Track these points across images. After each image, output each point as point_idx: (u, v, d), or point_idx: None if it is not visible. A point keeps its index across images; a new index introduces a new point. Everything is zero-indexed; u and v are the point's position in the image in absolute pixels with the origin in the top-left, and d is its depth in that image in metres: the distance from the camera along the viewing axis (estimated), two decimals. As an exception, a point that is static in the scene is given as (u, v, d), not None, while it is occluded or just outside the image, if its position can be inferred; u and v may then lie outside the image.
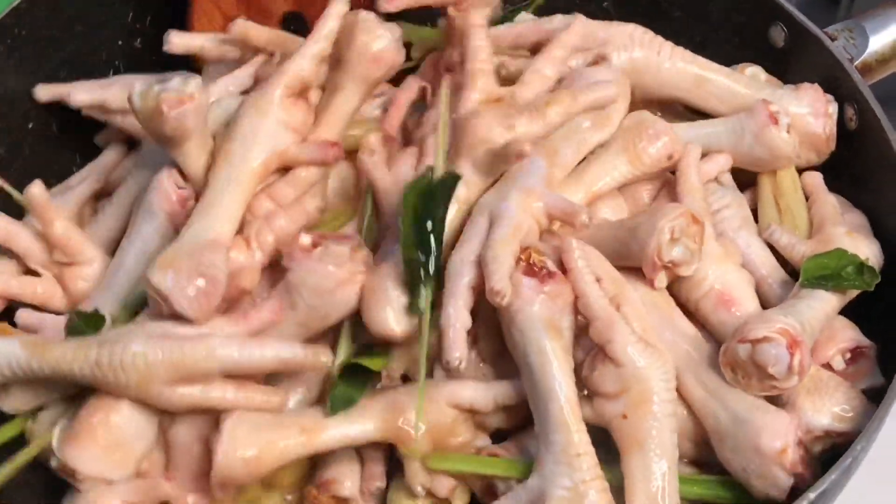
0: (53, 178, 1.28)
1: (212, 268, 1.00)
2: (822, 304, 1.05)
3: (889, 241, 1.13)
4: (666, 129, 1.14)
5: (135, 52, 1.37)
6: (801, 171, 1.19)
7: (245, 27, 1.22)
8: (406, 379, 1.05)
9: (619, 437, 0.98)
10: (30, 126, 1.31)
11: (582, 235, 1.04)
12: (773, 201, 1.18)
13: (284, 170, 1.10)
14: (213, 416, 1.00)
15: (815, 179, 1.19)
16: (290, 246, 1.01)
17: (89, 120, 1.30)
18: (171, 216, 1.10)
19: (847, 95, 1.19)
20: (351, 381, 1.02)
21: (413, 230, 1.00)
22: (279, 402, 1.02)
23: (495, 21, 1.24)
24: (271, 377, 1.05)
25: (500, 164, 1.04)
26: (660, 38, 1.20)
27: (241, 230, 1.06)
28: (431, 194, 1.01)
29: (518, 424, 1.04)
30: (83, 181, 1.25)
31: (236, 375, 1.01)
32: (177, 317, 1.00)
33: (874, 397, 1.03)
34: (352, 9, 1.13)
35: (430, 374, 1.03)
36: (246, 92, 1.21)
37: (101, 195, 1.25)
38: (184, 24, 1.33)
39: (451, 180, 1.02)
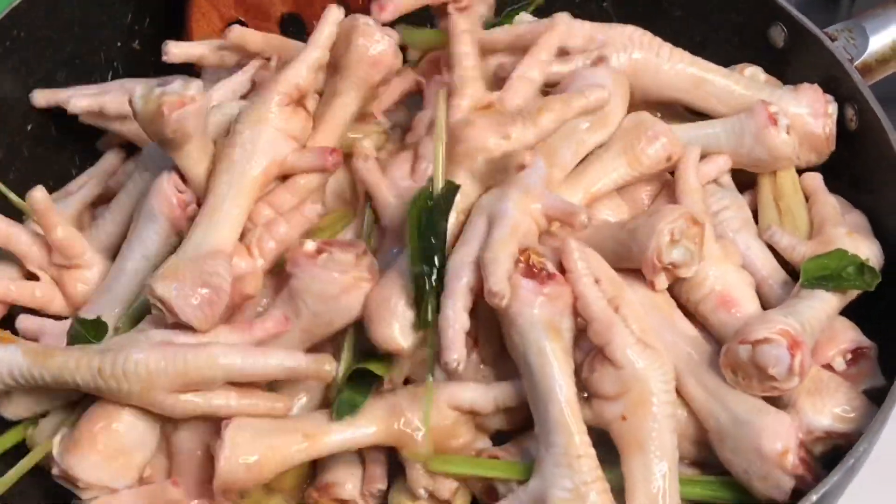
0: (52, 181, 1.28)
1: (215, 276, 1.00)
2: (822, 305, 1.05)
3: (889, 241, 1.13)
4: (665, 130, 1.13)
5: (133, 54, 1.37)
6: (801, 171, 1.19)
7: (242, 33, 1.22)
8: (407, 382, 1.05)
9: (619, 438, 0.98)
10: (28, 129, 1.31)
11: (581, 237, 1.04)
12: (772, 202, 1.17)
13: (284, 176, 1.10)
14: (216, 422, 1.00)
15: (815, 180, 1.19)
16: (294, 252, 1.01)
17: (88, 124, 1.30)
18: (171, 220, 1.10)
19: (847, 96, 1.19)
20: (356, 387, 1.02)
21: (419, 245, 1.00)
22: (283, 409, 1.02)
23: (492, 23, 1.24)
24: (275, 383, 1.05)
25: (500, 174, 1.04)
26: (658, 40, 1.20)
27: (241, 237, 1.06)
28: (433, 209, 1.01)
29: (518, 426, 1.04)
30: (83, 186, 1.25)
31: (240, 383, 1.01)
32: (180, 325, 1.00)
33: (875, 398, 1.03)
34: (348, 14, 1.14)
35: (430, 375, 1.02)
36: (244, 96, 1.21)
37: (99, 202, 1.25)
38: (182, 26, 1.33)
39: (451, 191, 1.02)
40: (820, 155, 1.19)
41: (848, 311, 1.08)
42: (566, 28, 1.16)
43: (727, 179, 1.19)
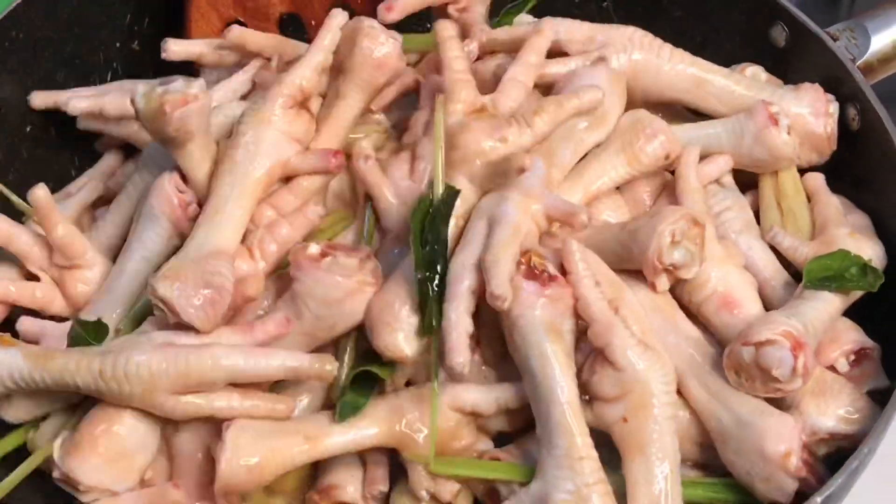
0: (51, 182, 1.26)
1: (217, 277, 1.00)
2: (825, 306, 1.04)
3: (892, 241, 1.13)
4: (663, 128, 1.13)
5: (133, 54, 1.37)
6: (803, 171, 1.19)
7: (242, 33, 1.23)
8: (409, 383, 1.05)
9: (621, 440, 0.98)
10: (27, 130, 1.31)
11: (581, 237, 1.04)
12: (774, 203, 1.17)
13: (287, 178, 1.10)
14: (217, 425, 1.00)
15: (818, 181, 1.18)
16: (298, 255, 1.01)
17: (87, 125, 1.30)
18: (172, 220, 1.09)
19: (849, 95, 1.19)
20: (358, 389, 1.02)
21: (421, 252, 1.00)
22: (285, 411, 1.02)
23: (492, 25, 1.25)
24: (276, 384, 1.05)
25: (499, 177, 1.04)
26: (659, 41, 1.20)
27: (243, 239, 1.06)
28: (434, 215, 1.01)
29: (520, 428, 1.04)
30: (82, 188, 1.25)
31: (242, 384, 1.01)
32: (181, 326, 1.00)
33: (879, 399, 1.03)
34: (352, 16, 1.14)
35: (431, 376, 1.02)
36: (244, 96, 1.21)
37: (99, 203, 1.25)
38: (181, 26, 1.33)
39: (451, 196, 1.03)
40: (821, 155, 1.19)
41: (851, 312, 1.08)
42: (552, 32, 1.17)
43: (729, 180, 1.19)
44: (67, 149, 1.34)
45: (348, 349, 1.05)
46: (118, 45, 1.36)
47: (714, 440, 1.01)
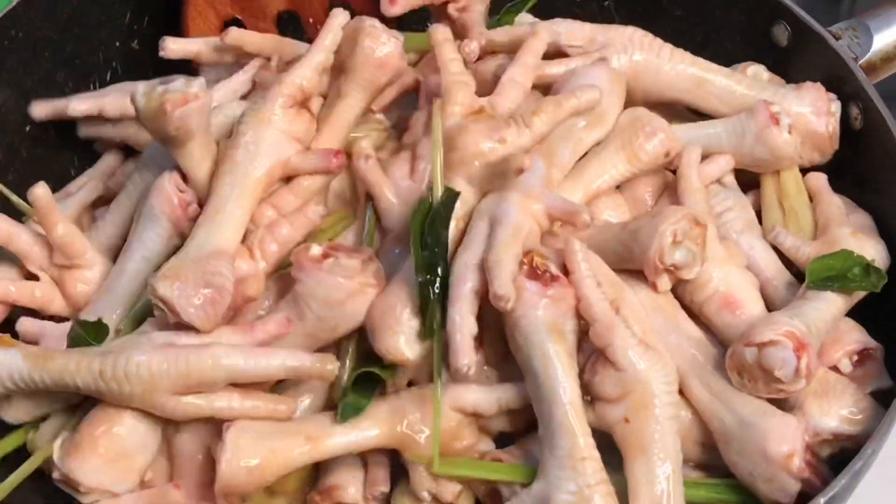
0: (51, 182, 1.24)
1: (218, 276, 1.00)
2: (828, 306, 1.04)
3: (895, 241, 1.13)
4: (662, 126, 1.13)
5: (132, 54, 1.37)
6: (805, 171, 1.19)
7: (239, 34, 1.23)
8: (410, 383, 1.05)
9: (622, 441, 0.97)
10: (27, 129, 1.31)
11: (583, 237, 1.04)
12: (776, 203, 1.17)
13: (287, 178, 1.10)
14: (217, 425, 1.00)
15: (820, 180, 1.18)
16: (300, 256, 1.01)
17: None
18: (172, 220, 1.09)
19: (852, 94, 1.19)
20: (360, 390, 1.02)
21: (421, 255, 1.00)
22: (286, 411, 1.02)
23: (490, 23, 1.24)
24: (277, 385, 1.05)
25: (499, 179, 1.04)
26: (659, 41, 1.20)
27: (244, 239, 1.06)
28: (434, 218, 1.01)
29: (522, 428, 1.04)
30: (82, 187, 1.25)
31: (243, 384, 1.01)
32: (182, 326, 1.00)
33: (882, 399, 1.03)
34: (353, 16, 1.14)
35: (433, 377, 1.02)
36: (245, 96, 1.21)
37: (99, 203, 1.25)
38: (179, 24, 1.33)
39: (451, 199, 1.02)
40: (823, 154, 1.19)
41: (853, 313, 1.08)
42: (550, 33, 1.17)
43: (730, 180, 1.19)
44: (67, 148, 1.33)
45: (350, 350, 1.04)
46: (118, 44, 1.36)
47: (716, 441, 1.01)
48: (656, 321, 1.03)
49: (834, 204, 1.16)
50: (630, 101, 1.16)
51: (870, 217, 1.16)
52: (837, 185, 1.18)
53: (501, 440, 1.05)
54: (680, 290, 1.07)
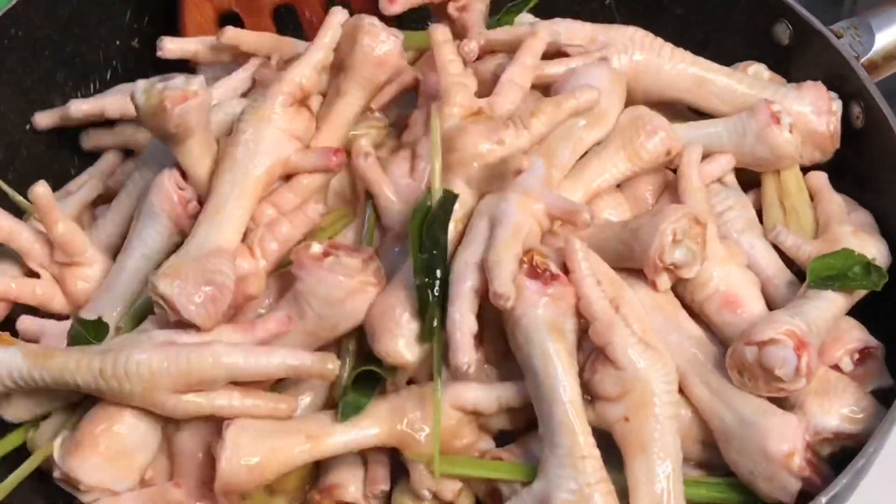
0: (51, 181, 1.24)
1: (218, 274, 1.00)
2: (829, 305, 1.04)
3: (896, 240, 1.13)
4: (663, 125, 1.13)
5: (133, 52, 1.37)
6: (807, 169, 1.19)
7: (235, 34, 1.23)
8: (410, 381, 1.05)
9: (622, 440, 0.97)
10: (27, 128, 1.30)
11: (583, 236, 1.04)
12: (777, 202, 1.17)
13: (287, 176, 1.10)
14: (218, 423, 1.00)
15: (821, 179, 1.18)
16: (300, 255, 1.01)
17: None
18: (172, 217, 1.09)
19: (853, 93, 1.18)
20: (360, 388, 1.02)
21: (420, 257, 1.00)
22: (287, 410, 1.02)
23: (491, 22, 1.24)
24: (278, 383, 1.05)
25: (497, 180, 1.04)
26: (660, 41, 1.20)
27: (244, 238, 1.06)
28: (433, 221, 1.01)
29: (522, 426, 1.04)
30: (82, 186, 1.25)
31: (243, 382, 1.01)
32: (182, 324, 1.00)
33: (883, 398, 1.03)
34: (351, 14, 1.14)
35: (433, 376, 1.02)
36: (245, 94, 1.22)
37: (98, 202, 1.25)
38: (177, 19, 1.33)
39: (449, 201, 1.02)
40: (824, 153, 1.19)
41: (854, 311, 1.08)
42: (549, 34, 1.16)
43: (731, 179, 1.19)
44: (67, 148, 1.33)
45: (350, 349, 1.04)
46: (118, 43, 1.36)
47: (717, 439, 1.01)
48: (656, 320, 1.03)
49: (835, 203, 1.15)
50: (631, 101, 1.16)
51: (871, 216, 1.16)
52: (839, 184, 1.18)
53: (501, 439, 1.05)
54: (680, 289, 1.07)
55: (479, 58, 1.19)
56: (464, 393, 1.01)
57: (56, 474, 1.02)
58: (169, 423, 1.03)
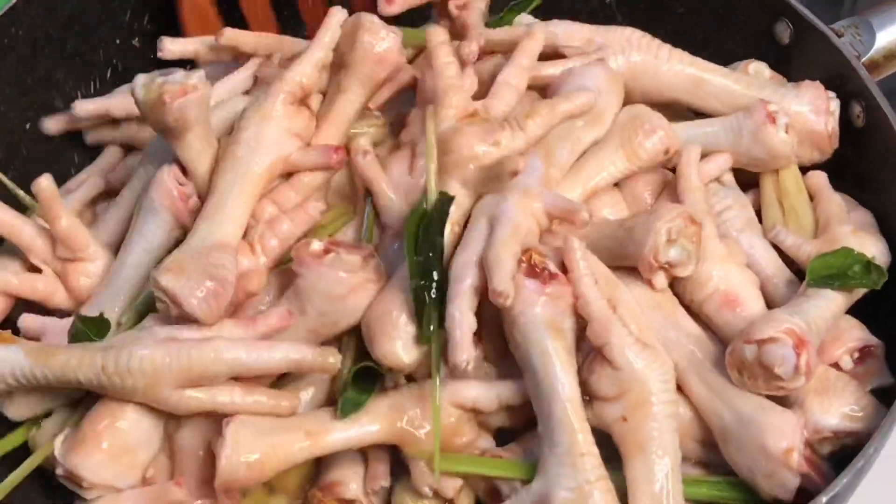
0: (51, 179, 1.27)
1: (221, 269, 1.00)
2: (828, 304, 1.04)
3: (896, 239, 1.13)
4: (662, 124, 1.13)
5: (133, 51, 1.37)
6: (806, 169, 1.18)
7: (233, 35, 1.24)
8: (409, 378, 1.04)
9: (620, 440, 0.97)
10: (27, 127, 1.30)
11: (580, 234, 1.04)
12: (776, 201, 1.17)
13: (288, 174, 1.10)
14: (218, 421, 1.00)
15: (820, 179, 1.18)
16: (301, 252, 1.01)
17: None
18: (173, 212, 1.10)
19: (854, 92, 1.18)
20: (359, 385, 1.02)
21: (416, 260, 1.00)
22: (289, 407, 1.02)
23: (492, 21, 1.24)
24: (279, 380, 1.05)
25: (494, 181, 1.04)
26: (657, 41, 1.20)
27: (245, 235, 1.06)
28: (429, 223, 1.01)
29: (521, 424, 1.04)
30: (83, 184, 1.25)
31: (245, 378, 1.01)
32: (184, 320, 1.00)
33: (883, 397, 1.03)
34: (352, 12, 1.15)
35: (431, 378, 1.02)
36: (246, 93, 1.22)
37: (98, 200, 1.25)
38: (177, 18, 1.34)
39: (445, 203, 1.03)
40: (823, 153, 1.18)
41: (854, 310, 1.08)
42: (544, 35, 1.17)
43: (729, 178, 1.19)
44: (67, 147, 1.33)
45: (350, 347, 1.05)
46: (118, 42, 1.36)
47: (716, 437, 1.01)
48: (655, 318, 1.03)
49: (834, 202, 1.15)
50: (629, 102, 1.16)
51: (871, 215, 1.16)
52: (839, 184, 1.18)
53: (501, 437, 1.05)
54: (680, 289, 1.07)
55: (478, 58, 1.19)
56: (463, 391, 1.01)
57: (59, 471, 1.02)
58: (170, 421, 1.03)
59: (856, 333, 1.06)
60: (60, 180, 1.28)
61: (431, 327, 0.98)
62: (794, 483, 0.97)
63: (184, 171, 1.10)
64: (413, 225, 1.01)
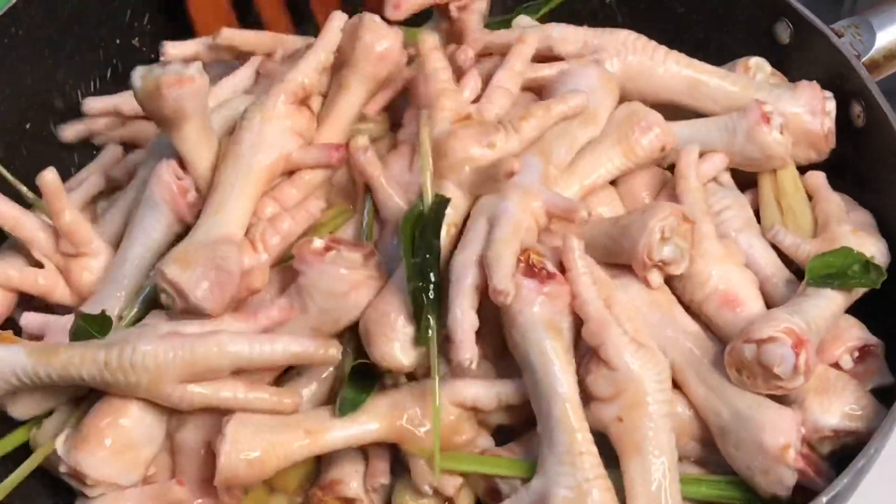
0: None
1: (226, 260, 1.01)
2: (828, 303, 1.04)
3: (895, 238, 1.12)
4: (658, 121, 1.13)
5: (133, 51, 1.37)
6: (805, 169, 1.18)
7: (231, 34, 1.25)
8: (410, 377, 1.05)
9: (617, 440, 0.98)
10: (27, 127, 1.30)
11: (576, 232, 1.03)
12: (774, 201, 1.17)
13: (289, 172, 1.11)
14: (219, 420, 1.00)
15: (819, 179, 1.18)
16: (302, 249, 1.01)
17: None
18: (172, 206, 1.10)
19: (854, 92, 1.18)
20: (358, 383, 1.02)
21: (413, 262, 1.00)
22: (291, 405, 1.02)
23: (495, 22, 1.25)
24: (281, 377, 1.05)
25: (489, 183, 1.04)
26: (653, 43, 1.20)
27: (246, 232, 1.07)
28: (425, 225, 1.01)
29: (521, 423, 1.04)
30: (84, 182, 1.25)
31: (248, 372, 1.01)
32: (187, 314, 1.01)
33: (883, 397, 1.03)
34: (358, 12, 1.15)
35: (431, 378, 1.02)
36: (248, 91, 1.22)
37: (98, 198, 1.25)
38: (182, 16, 1.34)
39: (442, 205, 1.03)
40: (819, 153, 1.18)
41: (854, 310, 1.08)
42: (537, 39, 1.17)
43: (727, 178, 1.19)
44: (67, 147, 1.34)
45: (351, 346, 1.05)
46: (118, 42, 1.36)
47: (714, 435, 1.01)
48: (653, 316, 1.04)
49: (833, 202, 1.15)
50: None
51: (870, 215, 1.16)
52: (839, 184, 1.18)
53: (501, 436, 1.05)
54: (680, 289, 1.07)
55: (476, 60, 1.19)
56: (463, 389, 1.02)
57: (62, 469, 1.02)
58: (172, 420, 1.03)
59: (855, 333, 1.06)
60: (61, 179, 1.29)
61: (430, 329, 0.99)
62: (790, 479, 0.97)
63: (183, 166, 1.10)
64: (409, 227, 1.02)
